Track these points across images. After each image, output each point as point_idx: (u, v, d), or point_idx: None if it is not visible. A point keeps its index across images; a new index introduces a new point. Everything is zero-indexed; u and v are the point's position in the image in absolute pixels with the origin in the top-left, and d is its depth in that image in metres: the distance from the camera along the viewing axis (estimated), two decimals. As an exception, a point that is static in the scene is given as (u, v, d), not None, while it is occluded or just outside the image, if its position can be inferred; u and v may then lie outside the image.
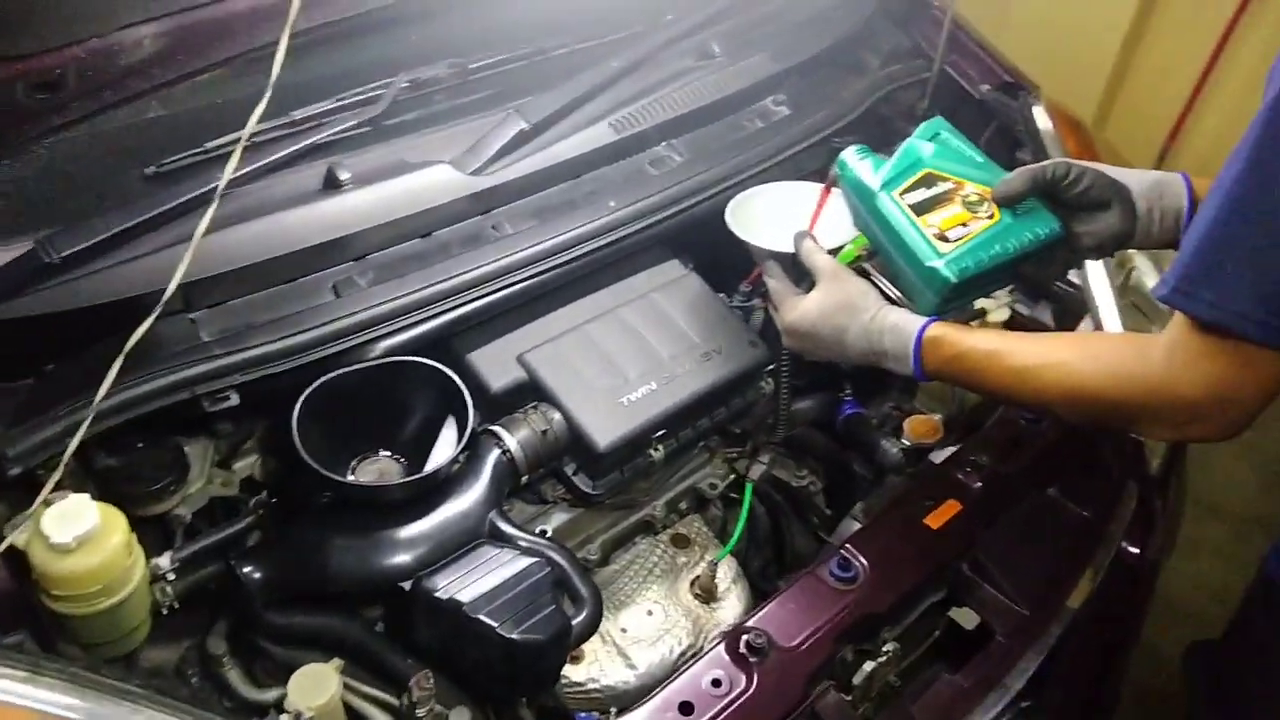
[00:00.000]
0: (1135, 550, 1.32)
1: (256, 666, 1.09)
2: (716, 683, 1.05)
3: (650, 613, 1.27)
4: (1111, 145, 1.84)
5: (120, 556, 0.99)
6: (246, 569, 1.03)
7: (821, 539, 1.40)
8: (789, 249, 1.18)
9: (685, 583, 1.32)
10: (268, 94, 0.97)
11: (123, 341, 0.97)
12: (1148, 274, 1.53)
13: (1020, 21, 2.10)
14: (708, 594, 1.31)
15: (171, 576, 1.05)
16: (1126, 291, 1.49)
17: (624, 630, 1.23)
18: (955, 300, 1.13)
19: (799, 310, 1.14)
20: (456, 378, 1.12)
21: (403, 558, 1.06)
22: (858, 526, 1.28)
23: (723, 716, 1.02)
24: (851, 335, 1.11)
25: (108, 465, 1.08)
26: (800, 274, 1.21)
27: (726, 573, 1.33)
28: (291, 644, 1.08)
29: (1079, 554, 1.27)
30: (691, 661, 1.09)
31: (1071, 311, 1.53)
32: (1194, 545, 1.81)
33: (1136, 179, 1.14)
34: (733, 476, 1.40)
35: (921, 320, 1.09)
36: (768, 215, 1.27)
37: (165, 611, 1.06)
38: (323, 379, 1.07)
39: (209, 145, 1.19)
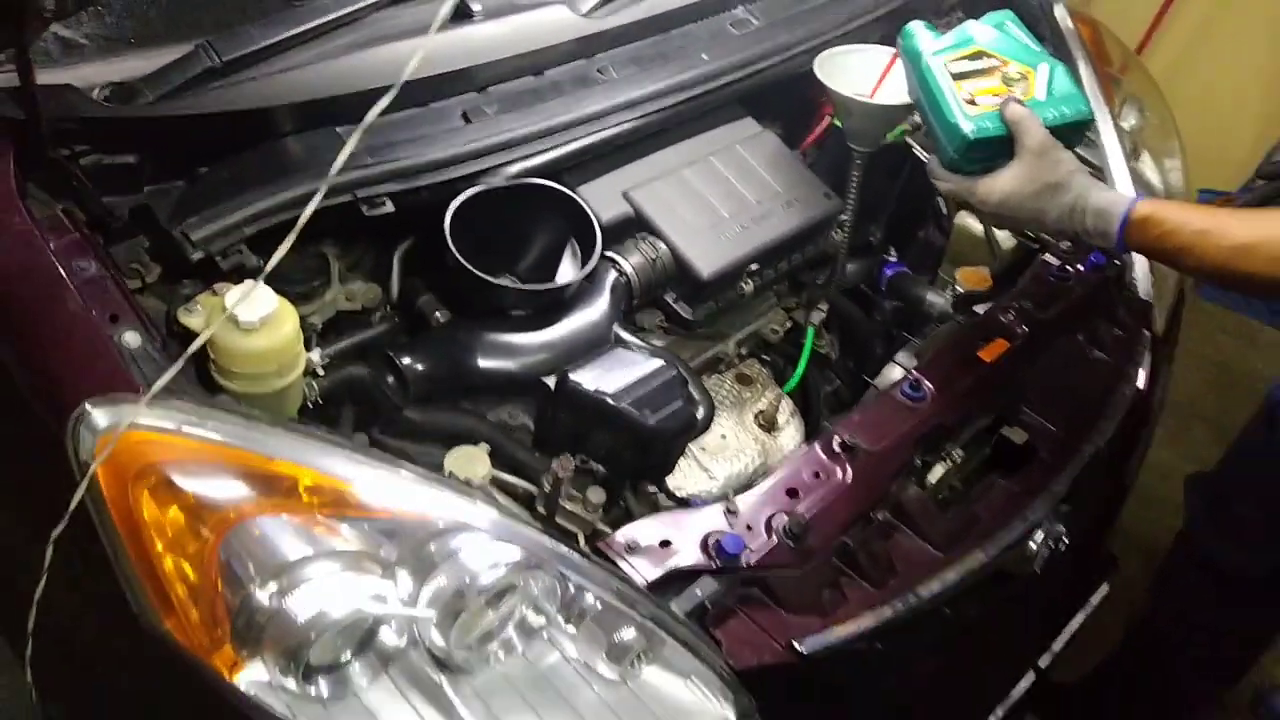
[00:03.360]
0: (1144, 391, 1.50)
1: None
2: (817, 474, 1.19)
3: (724, 436, 1.40)
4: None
5: (292, 342, 1.06)
6: (406, 360, 1.12)
7: (868, 382, 1.55)
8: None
9: (750, 414, 1.46)
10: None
11: (270, 146, 1.03)
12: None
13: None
14: (770, 424, 1.45)
15: (320, 372, 1.13)
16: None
17: (702, 449, 1.36)
18: (976, 160, 1.22)
19: (999, 191, 1.18)
20: (584, 202, 1.21)
21: (543, 356, 1.16)
22: (912, 363, 1.42)
23: (823, 500, 1.16)
24: (1052, 216, 1.18)
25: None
26: (876, 124, 1.34)
27: (785, 407, 1.47)
28: (427, 442, 1.18)
29: (1104, 390, 1.44)
30: (791, 458, 1.23)
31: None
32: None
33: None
34: (789, 324, 1.53)
35: (1126, 202, 1.15)
36: (848, 74, 1.39)
37: (311, 406, 1.14)
38: (470, 191, 1.16)
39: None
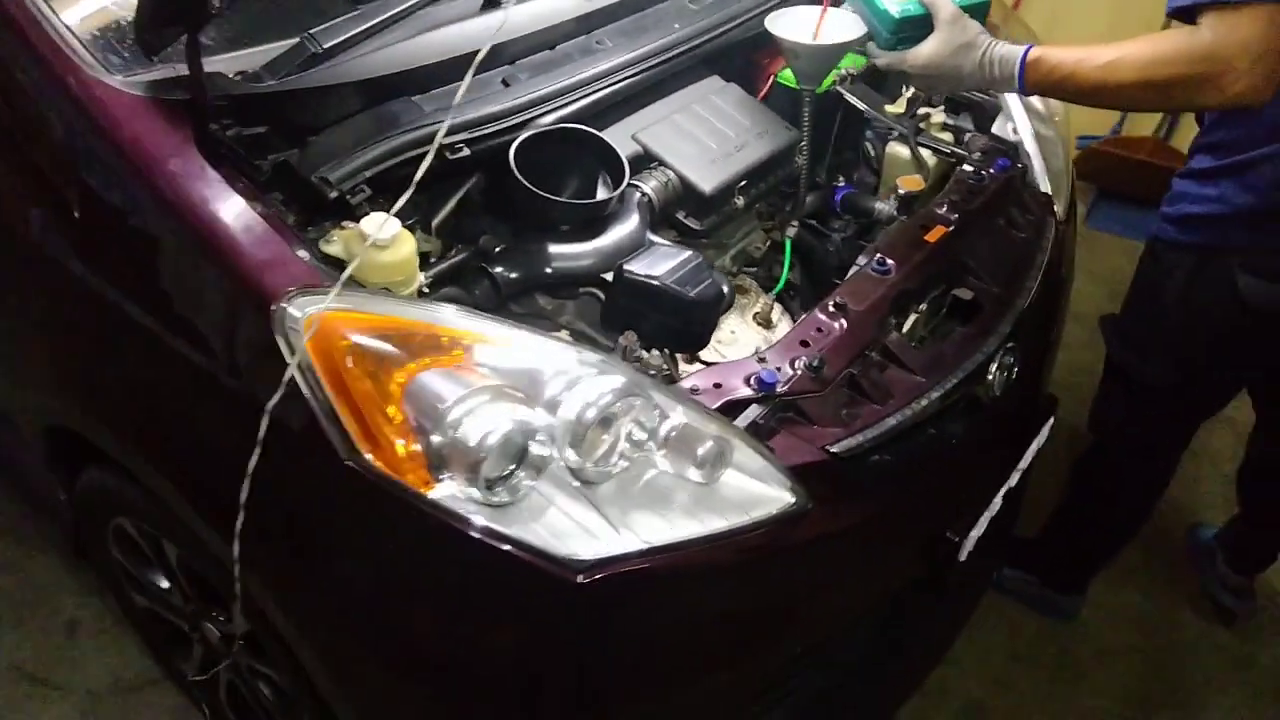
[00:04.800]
0: (1055, 257, 1.87)
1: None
2: (819, 330, 1.51)
3: (733, 332, 1.72)
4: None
5: (411, 258, 1.34)
6: (499, 269, 1.41)
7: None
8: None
9: (749, 315, 1.78)
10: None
11: (365, 113, 1.34)
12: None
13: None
14: (765, 322, 1.77)
15: (425, 290, 1.41)
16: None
17: (719, 342, 1.67)
18: (904, 37, 1.60)
19: (924, 55, 1.57)
20: (610, 141, 1.53)
21: (598, 259, 1.46)
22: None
23: (828, 346, 1.47)
24: (967, 70, 1.56)
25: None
26: (818, 64, 1.69)
27: (776, 308, 1.80)
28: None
29: (1024, 259, 1.80)
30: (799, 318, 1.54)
31: (988, 115, 2.07)
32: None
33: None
34: (769, 242, 1.86)
35: (1022, 49, 1.52)
36: (792, 27, 1.73)
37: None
38: (526, 133, 1.46)
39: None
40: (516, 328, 1.25)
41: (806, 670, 1.54)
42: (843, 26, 1.70)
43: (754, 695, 1.47)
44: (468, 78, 1.25)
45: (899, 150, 2.01)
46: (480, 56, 1.26)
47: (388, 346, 1.18)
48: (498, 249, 1.48)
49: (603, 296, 1.52)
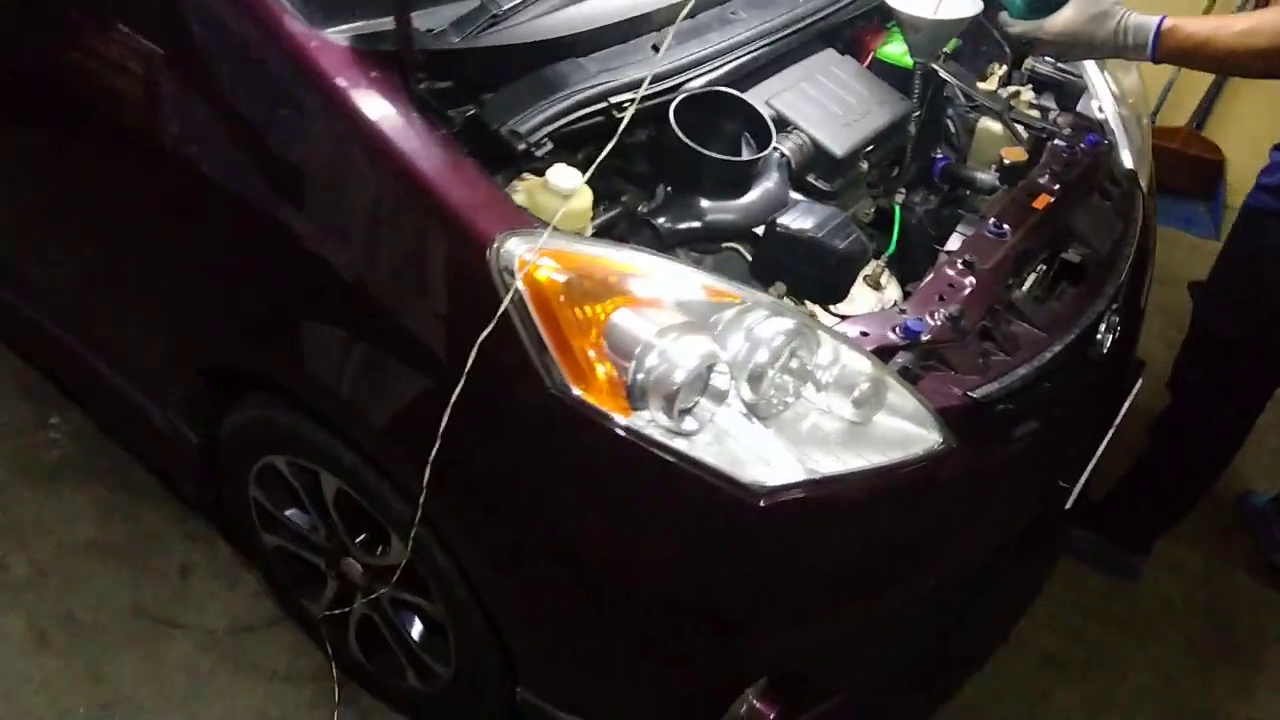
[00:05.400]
0: (1145, 226, 1.98)
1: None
2: (951, 285, 1.60)
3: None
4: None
5: (589, 206, 1.42)
6: (660, 220, 1.49)
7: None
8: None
9: (860, 278, 1.87)
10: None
11: (539, 71, 1.43)
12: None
13: None
14: (876, 284, 1.86)
15: (589, 231, 1.49)
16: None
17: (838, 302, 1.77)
18: (1036, 6, 1.71)
19: (1059, 24, 1.69)
20: (755, 104, 1.61)
21: (747, 213, 1.55)
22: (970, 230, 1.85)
23: (962, 300, 1.57)
24: (1100, 38, 1.68)
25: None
26: (935, 38, 1.78)
27: (886, 272, 1.89)
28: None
29: (1120, 226, 1.90)
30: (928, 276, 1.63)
31: (1072, 94, 2.18)
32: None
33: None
34: (874, 208, 1.95)
35: (1157, 18, 1.63)
36: (912, 2, 1.82)
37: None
38: (683, 93, 1.54)
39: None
40: (699, 271, 1.34)
41: (932, 607, 1.64)
42: (960, 2, 1.80)
43: (890, 626, 1.56)
44: (668, 37, 1.33)
45: (990, 126, 2.11)
46: (682, 16, 1.33)
47: (593, 284, 1.26)
48: (656, 202, 1.56)
49: (744, 251, 1.60)
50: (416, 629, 1.71)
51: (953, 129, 2.18)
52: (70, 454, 2.26)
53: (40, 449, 2.26)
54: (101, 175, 1.66)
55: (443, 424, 1.30)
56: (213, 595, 2.06)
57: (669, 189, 1.59)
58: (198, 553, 2.12)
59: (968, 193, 2.00)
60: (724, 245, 1.60)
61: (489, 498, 1.37)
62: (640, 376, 1.24)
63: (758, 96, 1.72)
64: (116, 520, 2.15)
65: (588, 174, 1.32)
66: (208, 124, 1.42)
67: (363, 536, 1.68)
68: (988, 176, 1.96)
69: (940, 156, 2.05)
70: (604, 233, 1.51)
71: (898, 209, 1.91)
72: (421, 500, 1.38)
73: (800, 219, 1.53)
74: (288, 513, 1.79)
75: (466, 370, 1.27)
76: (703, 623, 1.36)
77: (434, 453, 1.33)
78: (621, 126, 1.28)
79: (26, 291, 2.06)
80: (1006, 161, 1.93)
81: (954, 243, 1.84)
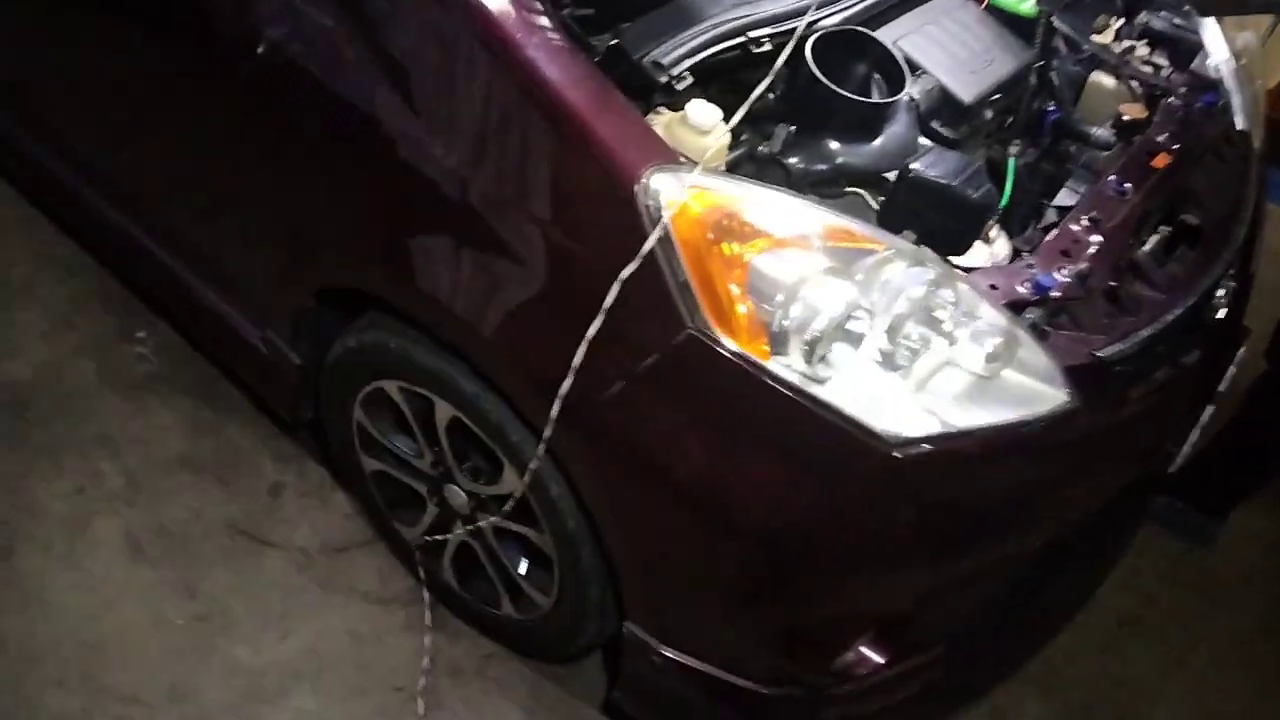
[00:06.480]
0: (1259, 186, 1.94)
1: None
2: (1076, 241, 1.58)
3: (960, 242, 1.79)
4: None
5: (725, 145, 1.40)
6: (791, 160, 1.47)
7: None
8: None
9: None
10: None
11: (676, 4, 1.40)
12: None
13: None
14: (986, 237, 1.84)
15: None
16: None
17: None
18: None
19: None
20: (895, 50, 1.58)
21: (877, 156, 1.53)
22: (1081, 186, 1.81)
23: (1092, 251, 1.54)
24: None
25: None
26: None
27: (995, 225, 1.86)
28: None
29: (1235, 186, 1.87)
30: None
31: (1186, 51, 2.12)
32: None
33: None
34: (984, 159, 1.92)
35: None
36: None
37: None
38: (819, 33, 1.51)
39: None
40: (844, 216, 1.32)
41: (1034, 562, 1.65)
42: None
43: (994, 579, 1.57)
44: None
45: (1102, 80, 2.06)
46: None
47: (739, 224, 1.25)
48: (776, 141, 1.54)
49: (868, 196, 1.58)
50: (517, 558, 1.74)
51: (1055, 81, 2.14)
52: (157, 368, 2.27)
53: (127, 362, 2.28)
54: (219, 87, 1.64)
55: (577, 358, 1.31)
56: (303, 514, 2.09)
57: (792, 129, 1.57)
58: (287, 472, 2.15)
59: (1072, 147, 1.96)
60: (847, 190, 1.58)
61: (617, 432, 1.37)
62: (783, 321, 1.23)
63: (885, 37, 1.69)
64: (205, 436, 2.18)
65: (737, 115, 1.30)
66: (341, 44, 1.41)
67: (470, 463, 1.69)
68: (1104, 132, 1.92)
69: (1051, 109, 2.01)
70: (733, 170, 1.50)
71: (1012, 161, 1.87)
72: (546, 434, 1.39)
73: (935, 166, 1.50)
74: (395, 438, 1.80)
75: (606, 305, 1.26)
76: (822, 566, 1.37)
77: (565, 387, 1.33)
78: (778, 64, 1.26)
79: (119, 203, 2.06)
80: (1126, 118, 1.89)
81: (1064, 198, 1.82)
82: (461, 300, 1.42)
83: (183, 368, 2.27)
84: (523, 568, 1.73)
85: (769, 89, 1.58)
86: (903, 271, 1.31)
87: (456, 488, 1.73)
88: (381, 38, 1.39)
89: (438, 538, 1.82)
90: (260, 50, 1.49)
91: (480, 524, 1.71)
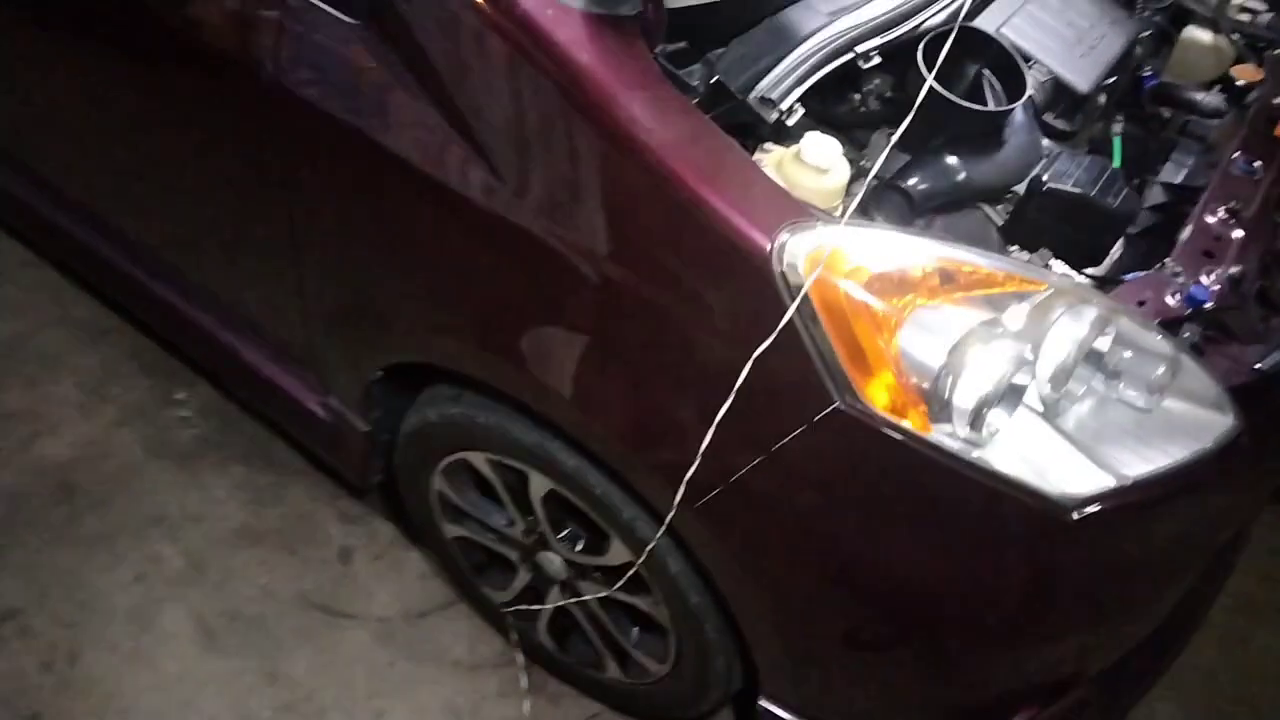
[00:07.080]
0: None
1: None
2: (1218, 238, 1.42)
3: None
4: None
5: (843, 183, 1.25)
6: (910, 182, 1.32)
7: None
8: None
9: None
10: None
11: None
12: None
13: None
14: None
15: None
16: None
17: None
18: None
19: None
20: (1005, 42, 1.41)
21: (1004, 168, 1.37)
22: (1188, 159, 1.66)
23: (1237, 250, 1.39)
24: None
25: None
26: None
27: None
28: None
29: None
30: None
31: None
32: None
33: None
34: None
35: None
36: None
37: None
38: (929, 34, 1.35)
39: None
40: (996, 256, 1.17)
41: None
42: None
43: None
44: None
45: (1197, 35, 1.89)
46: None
47: (885, 283, 1.10)
48: (872, 156, 1.39)
49: (989, 211, 1.43)
50: (627, 626, 1.61)
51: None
52: (204, 432, 2.14)
53: (171, 428, 2.14)
54: (297, 154, 1.44)
55: (705, 440, 1.17)
56: (379, 579, 1.96)
57: (892, 134, 1.40)
58: (356, 535, 2.02)
59: (1169, 116, 1.80)
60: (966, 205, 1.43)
61: (752, 514, 1.24)
62: (945, 387, 1.09)
63: (985, 24, 1.52)
64: (264, 504, 2.05)
65: (883, 152, 1.14)
66: (417, 106, 1.24)
67: (567, 531, 1.56)
68: (1212, 98, 1.76)
69: (1148, 75, 1.85)
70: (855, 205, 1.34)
71: (1117, 141, 1.72)
72: (669, 518, 1.26)
73: (1068, 175, 1.36)
74: (478, 504, 1.66)
75: (737, 384, 1.12)
76: (991, 642, 1.25)
77: (691, 470, 1.20)
78: (921, 95, 1.09)
79: (159, 267, 1.91)
80: (1240, 82, 1.73)
81: (1169, 173, 1.66)
82: (572, 385, 1.28)
83: (231, 429, 2.14)
84: (629, 633, 1.61)
85: (863, 94, 1.45)
86: (1065, 313, 1.16)
87: (553, 554, 1.60)
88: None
89: (534, 608, 1.70)
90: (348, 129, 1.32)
91: (585, 597, 1.58)
